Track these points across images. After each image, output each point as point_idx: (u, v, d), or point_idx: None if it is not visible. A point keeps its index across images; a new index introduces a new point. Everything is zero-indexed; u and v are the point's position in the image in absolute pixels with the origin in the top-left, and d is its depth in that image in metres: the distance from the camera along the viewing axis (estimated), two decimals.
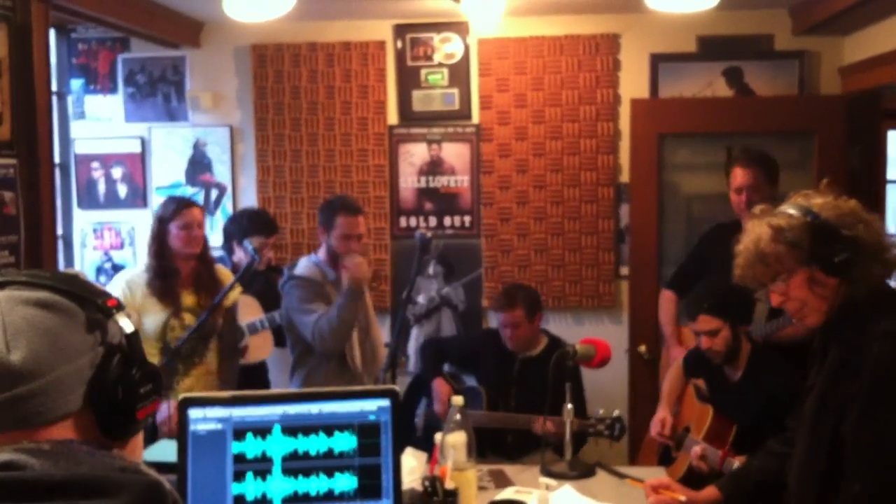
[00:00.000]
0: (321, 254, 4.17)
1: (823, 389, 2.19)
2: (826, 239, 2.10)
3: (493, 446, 4.07)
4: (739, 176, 4.09)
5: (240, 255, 4.66)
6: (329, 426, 2.36)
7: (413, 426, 4.46)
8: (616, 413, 3.61)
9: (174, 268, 3.94)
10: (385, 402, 2.40)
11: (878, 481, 2.04)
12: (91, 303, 1.24)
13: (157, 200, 5.50)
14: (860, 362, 2.07)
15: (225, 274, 4.18)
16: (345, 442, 2.37)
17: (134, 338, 1.28)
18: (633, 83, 5.29)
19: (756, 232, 2.19)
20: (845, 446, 2.07)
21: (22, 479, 1.07)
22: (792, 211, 2.17)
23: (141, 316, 3.89)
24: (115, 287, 4.00)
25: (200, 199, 5.47)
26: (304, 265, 4.16)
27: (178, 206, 3.97)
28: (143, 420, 1.28)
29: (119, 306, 1.28)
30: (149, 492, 1.11)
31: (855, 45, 5.04)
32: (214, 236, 5.21)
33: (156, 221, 3.99)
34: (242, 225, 4.69)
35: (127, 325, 1.27)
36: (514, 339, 4.24)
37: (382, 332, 4.64)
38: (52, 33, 5.09)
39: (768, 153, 4.23)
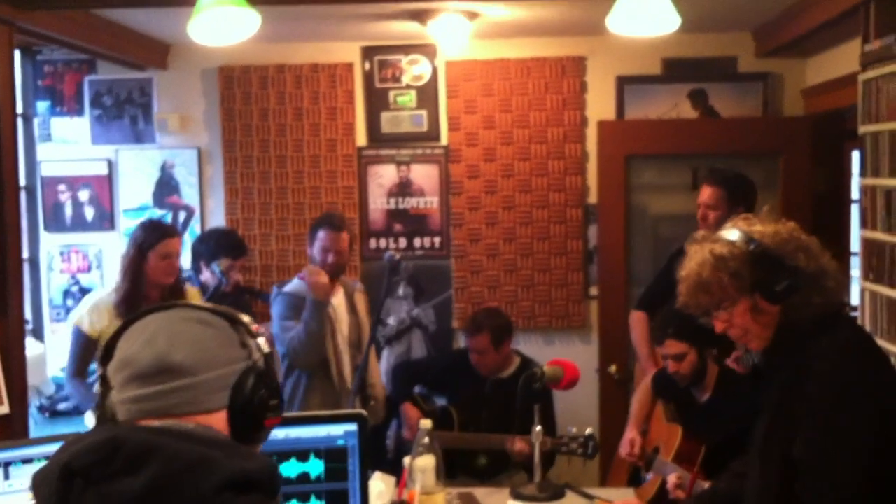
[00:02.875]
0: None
1: (771, 413, 2.21)
2: (768, 268, 2.12)
3: (465, 467, 4.06)
4: (702, 192, 4.21)
5: (207, 276, 4.63)
6: (296, 451, 2.35)
7: (384, 448, 4.45)
8: (589, 431, 3.62)
9: (144, 293, 3.93)
10: (352, 427, 2.40)
11: (830, 502, 2.04)
12: (242, 325, 1.50)
13: (124, 223, 5.47)
14: (803, 383, 2.10)
15: (195, 295, 4.17)
16: (312, 467, 2.36)
17: (269, 357, 1.50)
18: (600, 105, 5.33)
19: (697, 259, 2.20)
20: (797, 469, 2.08)
21: (183, 429, 1.35)
22: (733, 238, 2.18)
23: (104, 338, 3.86)
24: (82, 309, 3.98)
25: (168, 221, 5.43)
26: (293, 282, 4.27)
27: (159, 235, 3.96)
28: (268, 429, 1.49)
29: (260, 332, 1.52)
30: (274, 466, 1.39)
31: (817, 68, 5.11)
32: (184, 256, 5.21)
33: (133, 247, 3.95)
34: (210, 246, 4.67)
35: (265, 347, 1.50)
36: (481, 364, 4.28)
37: None
38: (17, 55, 5.06)
39: (741, 173, 4.30)
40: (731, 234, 2.19)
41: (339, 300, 4.25)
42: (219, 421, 1.43)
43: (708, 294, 2.18)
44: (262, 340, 1.51)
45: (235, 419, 1.44)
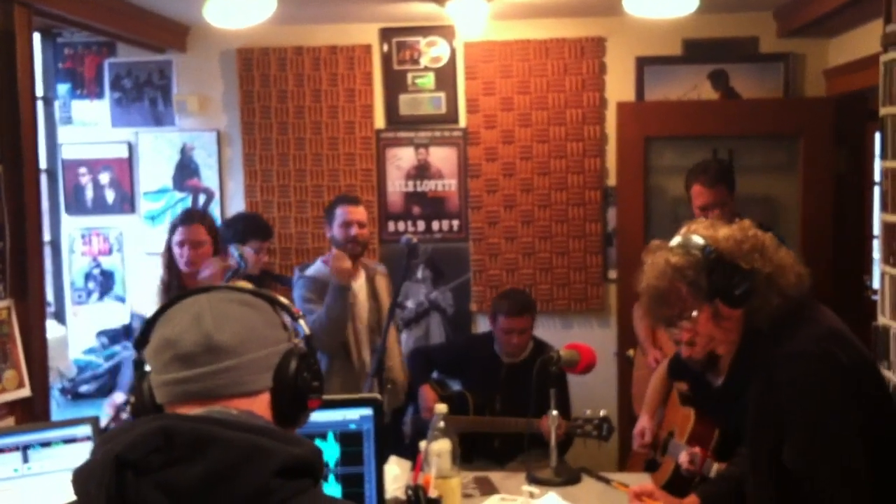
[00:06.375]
0: (331, 253, 4.24)
1: (753, 411, 2.19)
2: (725, 273, 2.09)
3: (481, 451, 4.07)
4: (704, 195, 4.12)
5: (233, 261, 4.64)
6: (311, 434, 2.36)
7: (401, 433, 4.46)
8: (603, 413, 3.62)
9: (178, 283, 3.93)
10: (367, 411, 2.40)
11: None
12: (283, 307, 1.52)
13: (144, 206, 5.51)
14: (773, 389, 2.07)
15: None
16: (327, 451, 2.37)
17: (310, 340, 1.52)
18: (619, 86, 5.30)
19: (654, 273, 2.16)
20: (789, 471, 2.06)
21: (228, 416, 1.36)
22: (688, 246, 2.14)
23: None
24: (138, 297, 4.00)
25: (187, 204, 5.45)
26: (315, 265, 4.29)
27: (178, 220, 3.99)
28: (310, 411, 1.51)
29: (302, 315, 1.56)
30: (319, 451, 1.37)
31: (839, 48, 5.06)
32: None
33: (168, 231, 4.03)
34: (238, 229, 4.67)
35: (306, 328, 1.53)
36: (519, 345, 4.26)
37: None
38: (37, 38, 5.08)
39: (724, 163, 4.26)
40: (686, 241, 2.16)
41: (359, 284, 4.26)
42: (261, 403, 1.42)
43: (668, 305, 2.16)
44: (302, 322, 1.53)
45: (278, 400, 1.44)
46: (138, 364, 1.46)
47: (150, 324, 1.47)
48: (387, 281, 4.44)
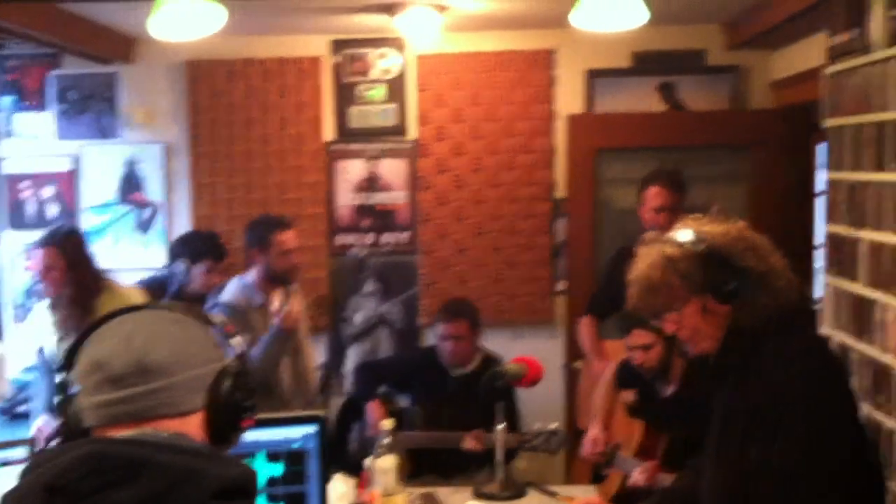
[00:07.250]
0: (252, 275, 4.10)
1: (724, 414, 2.20)
2: (717, 268, 2.11)
3: (430, 466, 4.04)
4: (660, 196, 4.18)
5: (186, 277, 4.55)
6: (253, 454, 2.32)
7: (347, 448, 4.42)
8: (553, 426, 3.61)
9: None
10: (311, 429, 2.37)
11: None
12: (216, 326, 1.50)
13: (88, 220, 5.41)
14: (754, 387, 2.08)
15: (130, 296, 4.04)
16: (270, 470, 2.33)
17: (243, 358, 1.50)
18: (569, 98, 5.32)
19: (647, 262, 2.18)
20: (752, 472, 2.07)
21: (160, 439, 1.32)
22: (683, 239, 2.16)
23: None
24: None
25: (132, 218, 5.37)
26: (230, 289, 4.08)
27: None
28: (243, 430, 1.49)
29: (235, 333, 1.52)
30: (253, 472, 1.37)
31: (785, 61, 5.11)
32: (149, 254, 5.29)
33: None
34: (193, 247, 4.58)
35: (239, 348, 1.50)
36: (456, 352, 4.22)
37: (318, 352, 4.59)
38: None
39: (678, 172, 4.30)
40: (681, 234, 2.17)
41: (276, 307, 4.09)
42: (194, 423, 1.40)
43: (657, 296, 2.17)
44: (235, 341, 1.50)
45: (212, 420, 1.42)
46: (63, 386, 1.41)
47: (75, 346, 1.43)
48: (300, 297, 4.25)
